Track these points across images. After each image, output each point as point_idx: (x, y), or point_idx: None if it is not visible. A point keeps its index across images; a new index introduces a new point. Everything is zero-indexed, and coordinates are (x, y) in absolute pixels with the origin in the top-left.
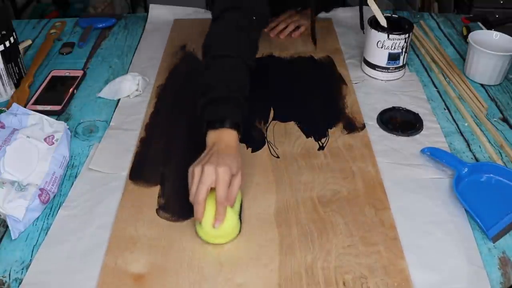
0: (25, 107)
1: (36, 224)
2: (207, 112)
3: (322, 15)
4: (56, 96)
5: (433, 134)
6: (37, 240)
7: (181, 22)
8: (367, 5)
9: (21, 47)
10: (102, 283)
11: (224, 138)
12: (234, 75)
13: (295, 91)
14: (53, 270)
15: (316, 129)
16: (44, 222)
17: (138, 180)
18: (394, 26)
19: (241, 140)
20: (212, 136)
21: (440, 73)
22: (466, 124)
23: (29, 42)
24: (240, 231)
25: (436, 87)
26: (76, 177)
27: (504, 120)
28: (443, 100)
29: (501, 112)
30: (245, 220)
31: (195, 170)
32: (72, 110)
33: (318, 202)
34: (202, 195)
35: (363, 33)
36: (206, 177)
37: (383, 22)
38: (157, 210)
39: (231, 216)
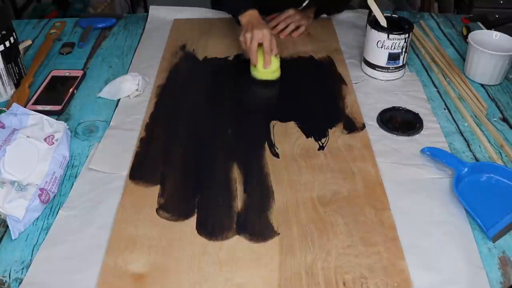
0: (25, 107)
1: (36, 224)
2: (239, 5)
3: (323, 15)
4: (56, 96)
5: (433, 134)
6: (37, 240)
7: (181, 22)
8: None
9: (21, 47)
10: (102, 283)
11: (252, 16)
12: None
13: (295, 91)
14: (53, 270)
15: (316, 129)
16: (44, 222)
17: (138, 180)
18: (394, 26)
19: None
20: (244, 18)
21: (440, 73)
22: (466, 124)
23: (29, 42)
24: (280, 75)
25: (436, 87)
26: (76, 177)
27: (504, 120)
28: (443, 100)
29: (501, 112)
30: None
31: (246, 35)
32: (72, 110)
33: (318, 202)
34: (255, 46)
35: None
36: (256, 35)
37: (383, 22)
38: (157, 210)
39: (275, 60)
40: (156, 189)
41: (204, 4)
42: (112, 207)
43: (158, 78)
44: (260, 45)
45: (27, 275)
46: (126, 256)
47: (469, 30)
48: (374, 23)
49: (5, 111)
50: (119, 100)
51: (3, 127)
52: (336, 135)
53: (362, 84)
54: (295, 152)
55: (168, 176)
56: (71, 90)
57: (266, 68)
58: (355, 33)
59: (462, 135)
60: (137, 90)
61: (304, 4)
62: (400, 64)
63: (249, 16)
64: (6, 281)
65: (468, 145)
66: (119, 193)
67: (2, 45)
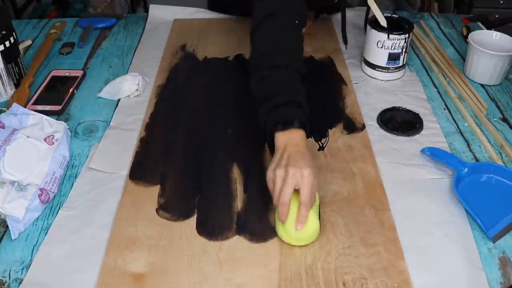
0: (25, 107)
1: (36, 224)
2: (273, 115)
3: (323, 15)
4: (56, 96)
5: (433, 134)
6: (37, 240)
7: (181, 22)
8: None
9: (21, 47)
10: (102, 283)
11: (294, 138)
12: (294, 82)
13: None
14: (53, 270)
15: (316, 129)
16: (44, 222)
17: (138, 180)
18: (394, 26)
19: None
20: (281, 137)
21: (440, 73)
22: (466, 124)
23: (29, 42)
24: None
25: (436, 87)
26: (76, 177)
27: (504, 120)
28: (443, 100)
29: (501, 112)
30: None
31: (277, 172)
32: (72, 110)
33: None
34: (288, 196)
35: (346, 48)
36: (291, 178)
37: (383, 22)
38: (157, 210)
39: (312, 217)
40: (156, 189)
41: (204, 4)
42: (112, 207)
43: (158, 78)
44: (296, 191)
45: (27, 275)
46: (126, 256)
47: (469, 30)
48: (374, 23)
49: (5, 111)
50: (119, 100)
51: (3, 127)
52: (336, 135)
53: (362, 84)
54: None
55: (168, 176)
56: (71, 90)
57: (299, 230)
58: (355, 33)
59: (462, 135)
60: (137, 90)
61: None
62: (400, 64)
63: (291, 137)
64: (6, 281)
65: (468, 145)
66: (119, 193)
67: (2, 45)
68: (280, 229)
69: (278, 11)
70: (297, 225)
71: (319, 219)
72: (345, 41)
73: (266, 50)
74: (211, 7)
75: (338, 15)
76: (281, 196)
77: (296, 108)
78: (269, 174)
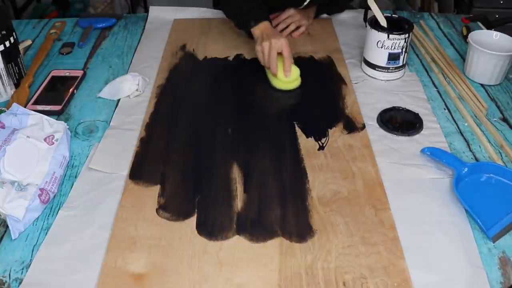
0: (25, 107)
1: (36, 224)
2: (247, 19)
3: (323, 15)
4: (56, 96)
5: (433, 134)
6: (37, 240)
7: (181, 22)
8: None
9: (21, 47)
10: (102, 283)
11: (265, 27)
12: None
13: (295, 91)
14: (53, 270)
15: (316, 129)
16: (44, 222)
17: (138, 180)
18: (394, 26)
19: None
20: (257, 30)
21: (440, 73)
22: (466, 124)
23: (29, 42)
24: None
25: (436, 87)
26: (76, 177)
27: (504, 120)
28: (443, 100)
29: (501, 112)
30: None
31: (263, 44)
32: (72, 110)
33: (318, 202)
34: (275, 55)
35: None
36: (274, 44)
37: (383, 22)
38: (157, 210)
39: (295, 68)
40: (156, 189)
41: (204, 4)
42: (112, 207)
43: (158, 78)
44: (279, 54)
45: (27, 275)
46: (126, 256)
47: (469, 30)
48: (374, 23)
49: (5, 111)
50: (119, 100)
51: (3, 127)
52: (336, 135)
53: (362, 84)
54: None
55: (168, 176)
56: (71, 90)
57: (287, 77)
58: (355, 33)
59: (462, 135)
60: (137, 90)
61: (305, 4)
62: (400, 64)
63: (263, 27)
64: (6, 281)
65: (468, 145)
66: (119, 193)
67: (2, 45)
68: (274, 81)
69: None
70: (286, 73)
71: (299, 72)
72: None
73: None
74: (216, 5)
75: (338, 15)
76: (271, 57)
77: (258, 10)
78: (257, 47)
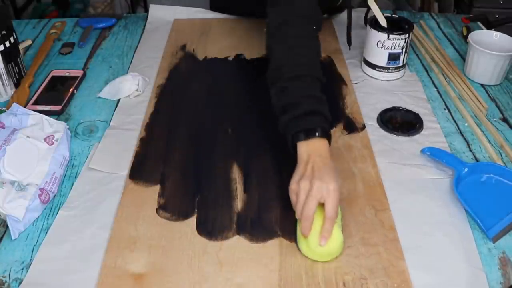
0: (25, 107)
1: (36, 224)
2: (295, 124)
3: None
4: (56, 96)
5: (433, 134)
6: (37, 240)
7: (181, 22)
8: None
9: (21, 47)
10: (102, 283)
11: (317, 148)
12: (315, 92)
13: None
14: (53, 270)
15: None
16: (44, 222)
17: (138, 180)
18: (394, 26)
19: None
20: (304, 147)
21: (440, 73)
22: (466, 124)
23: (29, 42)
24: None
25: (436, 87)
26: (76, 177)
27: (504, 120)
28: (443, 100)
29: (501, 112)
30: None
31: (301, 185)
32: (72, 110)
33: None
34: (312, 210)
35: (349, 49)
36: (316, 192)
37: (383, 22)
38: (157, 210)
39: (336, 231)
40: (156, 189)
41: (204, 4)
42: (112, 207)
43: (158, 78)
44: (321, 205)
45: (27, 275)
46: (126, 256)
47: (469, 30)
48: (374, 23)
49: (5, 111)
50: (119, 100)
51: (3, 127)
52: (336, 135)
53: (362, 84)
54: None
55: (168, 176)
56: (71, 90)
57: (323, 245)
58: (355, 33)
59: (462, 135)
60: (137, 90)
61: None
62: (400, 64)
63: (315, 147)
64: (6, 281)
65: (468, 145)
66: (119, 193)
67: (2, 45)
68: (302, 244)
69: (294, 17)
70: (321, 240)
71: (342, 232)
72: (349, 42)
73: (285, 60)
74: (212, 7)
75: (338, 16)
76: (305, 210)
77: (318, 117)
78: (293, 186)
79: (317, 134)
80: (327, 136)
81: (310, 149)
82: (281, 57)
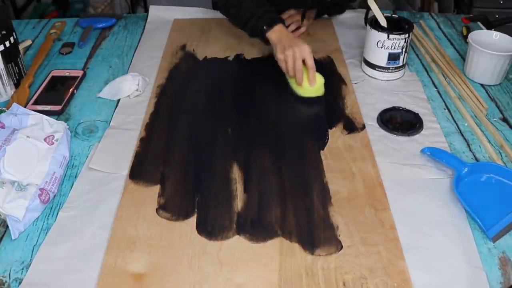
0: (25, 107)
1: (36, 224)
2: (262, 22)
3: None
4: (56, 96)
5: (433, 134)
6: (37, 240)
7: (181, 22)
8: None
9: (21, 47)
10: (102, 283)
11: (281, 30)
12: (257, 2)
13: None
14: (53, 270)
15: (316, 129)
16: (44, 222)
17: (138, 180)
18: (394, 26)
19: None
20: (272, 34)
21: (440, 73)
22: (466, 124)
23: (29, 42)
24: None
25: (436, 87)
26: (76, 177)
27: (504, 120)
28: (443, 100)
29: (501, 112)
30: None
31: (287, 53)
32: (72, 110)
33: (318, 202)
34: (301, 65)
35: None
36: (298, 54)
37: (383, 22)
38: (157, 210)
39: (319, 76)
40: (156, 188)
41: (204, 4)
42: (112, 207)
43: (158, 78)
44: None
45: (27, 275)
46: (126, 256)
47: (469, 30)
48: (374, 23)
49: (5, 111)
50: (119, 100)
51: (3, 127)
52: (336, 135)
53: (362, 84)
54: None
55: (168, 176)
56: (71, 90)
57: (312, 86)
58: (355, 33)
59: (462, 135)
60: (137, 90)
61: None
62: (400, 64)
63: (278, 31)
64: (6, 281)
65: (468, 145)
66: (119, 193)
67: (2, 45)
68: (299, 90)
69: None
70: (311, 83)
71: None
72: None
73: None
74: (215, 7)
75: (339, 16)
76: (296, 67)
77: (270, 13)
78: (279, 56)
79: (276, 22)
80: (282, 21)
81: (277, 33)
82: None
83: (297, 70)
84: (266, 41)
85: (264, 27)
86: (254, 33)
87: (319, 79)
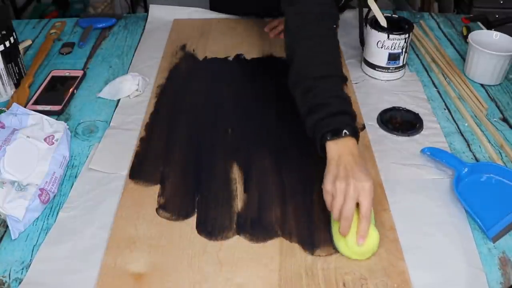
0: (25, 107)
1: (36, 224)
2: (324, 125)
3: None
4: (56, 96)
5: (433, 134)
6: (37, 240)
7: (181, 22)
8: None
9: (21, 47)
10: (102, 283)
11: (347, 147)
12: (340, 91)
13: None
14: (53, 270)
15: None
16: (44, 222)
17: (138, 180)
18: (394, 26)
19: None
20: (334, 147)
21: (440, 73)
22: (466, 124)
23: (29, 42)
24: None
25: (436, 87)
26: (76, 177)
27: (504, 120)
28: (443, 100)
29: (501, 112)
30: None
31: (337, 186)
32: (72, 110)
33: (319, 202)
34: (352, 211)
35: (362, 50)
36: (354, 192)
37: (383, 22)
38: (157, 210)
39: (372, 230)
40: (156, 188)
41: (204, 4)
42: (112, 207)
43: (158, 78)
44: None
45: (27, 275)
46: (126, 255)
47: (469, 30)
48: (374, 23)
49: (5, 111)
50: (119, 100)
51: (3, 127)
52: None
53: (362, 84)
54: None
55: (168, 175)
56: (71, 90)
57: (360, 244)
58: (355, 33)
59: (462, 135)
60: (137, 90)
61: None
62: (400, 64)
63: (344, 146)
64: (6, 281)
65: (468, 145)
66: (119, 193)
67: (2, 45)
68: (340, 243)
69: (314, 15)
70: (359, 240)
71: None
72: (362, 42)
73: (310, 60)
74: (213, 7)
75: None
76: (344, 211)
77: (346, 116)
78: (328, 187)
79: (347, 133)
80: (356, 135)
81: (340, 149)
82: (305, 56)
83: (344, 215)
84: (322, 150)
85: (328, 133)
86: (312, 132)
87: (372, 238)
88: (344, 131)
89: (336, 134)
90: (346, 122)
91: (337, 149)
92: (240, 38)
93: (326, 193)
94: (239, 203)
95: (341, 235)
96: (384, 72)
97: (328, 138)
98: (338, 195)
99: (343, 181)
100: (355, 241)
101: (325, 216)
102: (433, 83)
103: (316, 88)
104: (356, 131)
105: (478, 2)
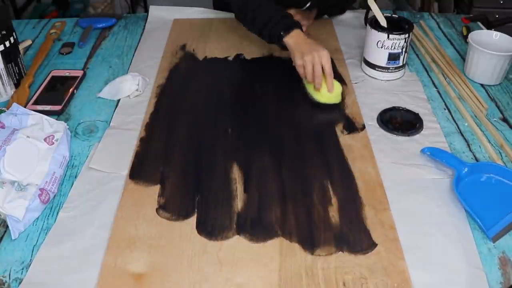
0: (25, 107)
1: (36, 224)
2: (277, 29)
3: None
4: (56, 96)
5: (433, 134)
6: (37, 240)
7: (181, 22)
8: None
9: (21, 47)
10: (102, 283)
11: (298, 35)
12: (274, 7)
13: (295, 91)
14: (53, 270)
15: (316, 129)
16: (44, 222)
17: (138, 180)
18: (394, 26)
19: None
20: (290, 40)
21: (440, 73)
22: (466, 124)
23: (29, 42)
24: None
25: (436, 87)
26: (76, 177)
27: (504, 120)
28: (443, 100)
29: (501, 112)
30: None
31: (305, 58)
32: (72, 110)
33: (319, 202)
34: (321, 71)
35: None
36: (318, 59)
37: (383, 22)
38: (157, 210)
39: (336, 83)
40: (156, 188)
41: (204, 4)
42: (112, 207)
43: (158, 78)
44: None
45: (27, 275)
46: (126, 255)
47: (469, 30)
48: (374, 23)
49: (5, 111)
50: (119, 100)
51: (3, 127)
52: (336, 135)
53: (362, 84)
54: None
55: (168, 175)
56: (71, 90)
57: (331, 92)
58: (355, 33)
59: (462, 135)
60: (137, 90)
61: (307, 5)
62: (400, 64)
63: (296, 36)
64: (6, 281)
65: (468, 145)
66: (119, 193)
67: (2, 45)
68: (317, 96)
69: None
70: (329, 90)
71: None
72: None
73: None
74: (216, 6)
75: (339, 16)
76: (316, 72)
77: (287, 18)
78: (298, 61)
79: (294, 27)
80: (299, 26)
81: (294, 38)
82: None
83: (317, 75)
84: (283, 47)
85: (281, 33)
86: (271, 39)
87: (337, 86)
88: (292, 26)
89: (288, 30)
90: (290, 21)
91: (293, 40)
92: (240, 38)
93: (299, 67)
94: (239, 203)
95: (316, 90)
96: (384, 72)
97: (284, 35)
98: (308, 64)
99: (308, 54)
100: (326, 91)
101: (325, 216)
102: (433, 83)
103: (258, 11)
104: (298, 25)
105: (478, 2)
